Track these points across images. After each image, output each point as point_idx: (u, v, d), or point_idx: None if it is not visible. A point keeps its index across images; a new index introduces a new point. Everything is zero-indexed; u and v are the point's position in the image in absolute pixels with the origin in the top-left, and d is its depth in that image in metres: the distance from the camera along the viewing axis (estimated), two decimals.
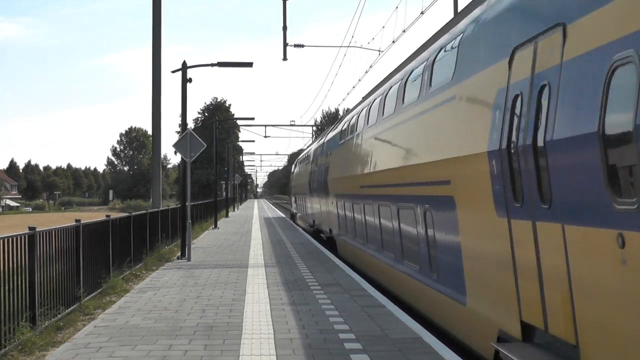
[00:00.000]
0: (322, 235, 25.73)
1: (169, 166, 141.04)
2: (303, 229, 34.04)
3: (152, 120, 22.75)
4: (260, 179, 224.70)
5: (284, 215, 50.38)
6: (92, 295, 11.83)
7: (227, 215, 48.31)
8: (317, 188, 26.92)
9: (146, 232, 17.82)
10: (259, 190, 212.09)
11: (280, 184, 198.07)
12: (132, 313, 10.46)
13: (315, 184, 27.75)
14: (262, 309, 10.67)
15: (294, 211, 46.19)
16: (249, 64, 21.45)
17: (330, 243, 23.18)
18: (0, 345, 7.79)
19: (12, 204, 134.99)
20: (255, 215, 50.39)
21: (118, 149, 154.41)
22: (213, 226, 34.85)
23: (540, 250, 6.06)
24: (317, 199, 27.32)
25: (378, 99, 14.62)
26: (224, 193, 53.87)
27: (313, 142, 38.25)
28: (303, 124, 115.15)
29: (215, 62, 20.90)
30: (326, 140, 25.61)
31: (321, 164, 25.63)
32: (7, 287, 8.07)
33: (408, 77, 11.79)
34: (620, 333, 4.84)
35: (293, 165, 52.32)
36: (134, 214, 16.58)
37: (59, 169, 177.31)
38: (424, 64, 10.72)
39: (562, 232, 5.58)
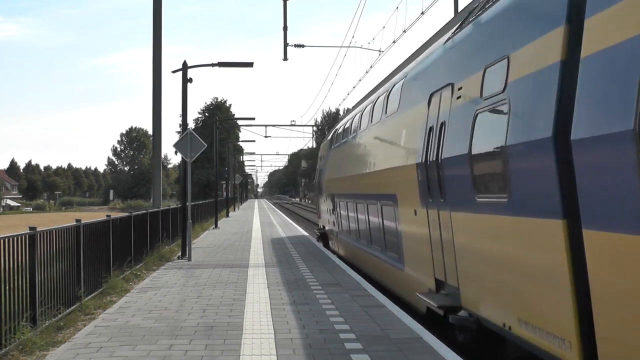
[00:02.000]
0: None
1: (170, 166, 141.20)
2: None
3: (152, 120, 22.77)
4: (261, 179, 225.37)
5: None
6: (92, 295, 11.83)
7: (227, 215, 48.33)
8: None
9: (147, 232, 17.83)
10: (259, 190, 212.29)
11: (280, 184, 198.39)
12: (133, 313, 10.46)
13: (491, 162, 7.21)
14: (263, 308, 10.67)
15: (326, 227, 24.68)
16: (249, 64, 21.46)
17: None
18: (0, 345, 7.79)
19: (13, 204, 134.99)
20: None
21: (118, 149, 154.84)
22: (213, 226, 34.87)
23: None
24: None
25: None
26: (225, 193, 53.91)
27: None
28: (303, 124, 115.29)
29: (216, 62, 20.91)
30: None
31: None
32: (7, 287, 8.08)
33: None
34: None
35: (323, 145, 26.70)
36: (134, 213, 16.59)
37: (59, 169, 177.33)
38: None
39: None
